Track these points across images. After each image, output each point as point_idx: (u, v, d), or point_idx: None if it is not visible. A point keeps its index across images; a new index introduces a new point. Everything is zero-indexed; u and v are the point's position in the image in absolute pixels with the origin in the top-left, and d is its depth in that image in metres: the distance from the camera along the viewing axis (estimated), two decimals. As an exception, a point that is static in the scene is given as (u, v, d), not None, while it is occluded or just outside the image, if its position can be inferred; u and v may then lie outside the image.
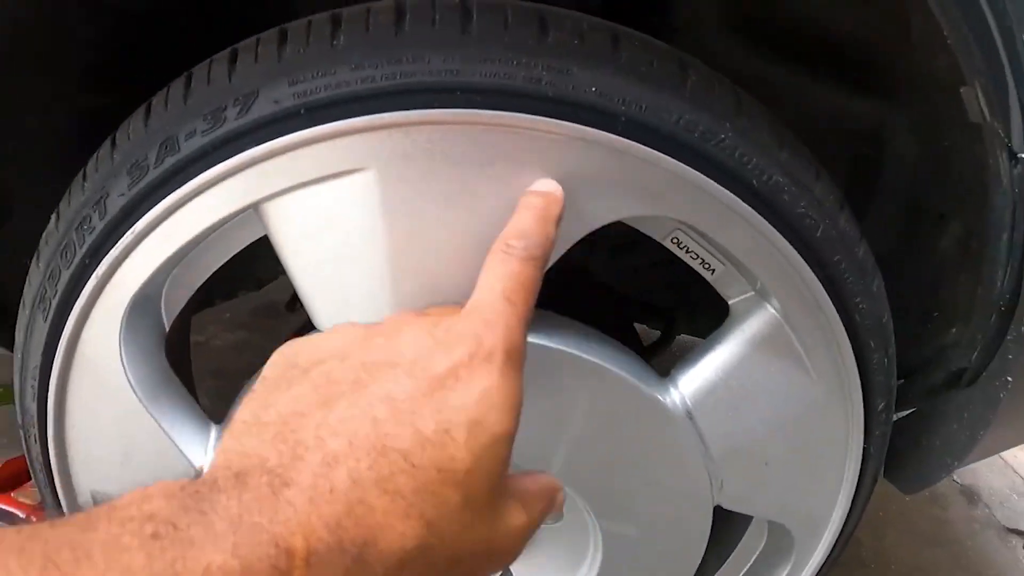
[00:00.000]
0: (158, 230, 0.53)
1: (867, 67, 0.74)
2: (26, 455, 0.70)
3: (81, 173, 0.58)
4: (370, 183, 0.51)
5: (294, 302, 0.93)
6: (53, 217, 0.60)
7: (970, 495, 1.90)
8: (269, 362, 0.40)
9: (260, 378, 0.39)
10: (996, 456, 1.85)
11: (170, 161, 0.52)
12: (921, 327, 0.77)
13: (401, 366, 0.36)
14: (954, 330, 0.73)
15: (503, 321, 0.38)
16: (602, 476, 0.65)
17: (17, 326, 0.65)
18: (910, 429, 0.79)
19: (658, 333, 1.18)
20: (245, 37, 0.55)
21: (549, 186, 0.47)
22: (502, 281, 0.40)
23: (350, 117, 0.49)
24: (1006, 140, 0.57)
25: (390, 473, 0.33)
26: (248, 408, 0.37)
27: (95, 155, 0.57)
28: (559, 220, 0.46)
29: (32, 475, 0.70)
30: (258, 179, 0.51)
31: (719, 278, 0.63)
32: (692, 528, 0.68)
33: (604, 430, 0.63)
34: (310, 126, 0.50)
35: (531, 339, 0.57)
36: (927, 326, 0.77)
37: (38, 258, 0.61)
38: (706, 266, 0.62)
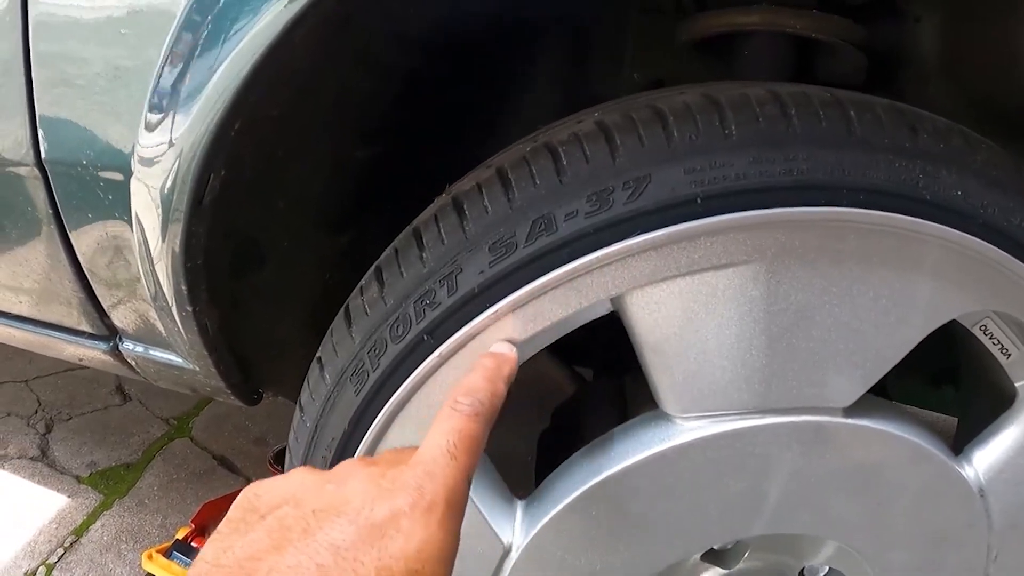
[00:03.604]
0: (520, 311, 0.50)
1: None
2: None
3: (414, 241, 0.55)
4: (756, 276, 0.49)
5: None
6: (373, 285, 0.57)
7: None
8: (234, 504, 0.42)
9: (225, 519, 0.41)
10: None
11: (545, 241, 0.49)
12: None
13: (347, 514, 0.38)
14: None
15: (444, 474, 0.40)
16: (900, 545, 0.64)
17: (308, 391, 0.62)
18: None
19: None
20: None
21: (503, 348, 0.48)
22: (447, 436, 0.42)
23: (745, 210, 0.47)
24: None
25: None
26: (211, 549, 0.39)
27: (433, 223, 0.54)
28: (510, 379, 0.46)
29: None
30: (639, 266, 0.48)
31: (1013, 363, 0.62)
32: None
33: (914, 503, 0.61)
34: (704, 216, 0.47)
35: (869, 424, 0.56)
36: None
37: (350, 326, 0.58)
38: (1004, 351, 0.62)
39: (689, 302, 0.49)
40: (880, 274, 0.51)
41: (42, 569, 1.24)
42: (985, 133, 0.87)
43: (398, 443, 0.57)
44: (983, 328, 0.60)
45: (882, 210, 0.49)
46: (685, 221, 0.47)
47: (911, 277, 0.51)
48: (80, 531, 1.31)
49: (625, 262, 0.48)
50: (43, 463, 1.47)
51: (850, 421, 0.55)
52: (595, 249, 0.48)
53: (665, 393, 0.53)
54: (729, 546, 0.66)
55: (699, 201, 0.47)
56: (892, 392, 1.08)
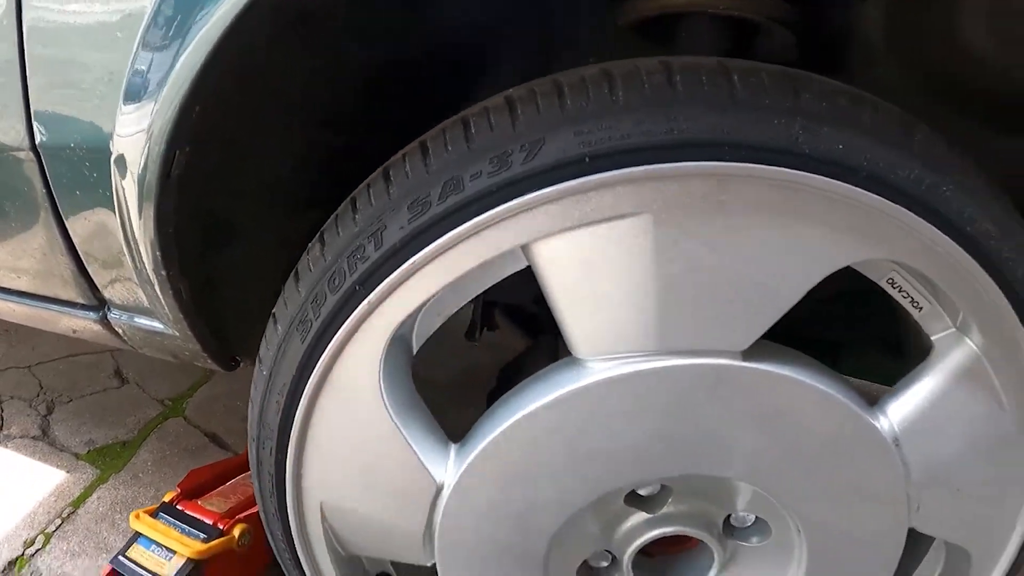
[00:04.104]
0: (437, 261, 0.59)
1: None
2: (254, 465, 0.76)
3: (349, 206, 0.64)
4: (645, 226, 0.57)
5: (472, 331, 0.99)
6: (316, 246, 0.66)
7: None
8: None
9: None
10: None
11: (454, 199, 0.58)
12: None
13: None
14: None
15: None
16: (815, 493, 0.70)
17: (265, 344, 0.71)
18: None
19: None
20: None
21: None
22: None
23: (632, 166, 0.55)
24: None
25: None
26: None
27: (365, 190, 0.63)
28: None
29: (258, 483, 0.76)
30: (538, 219, 0.57)
31: (925, 315, 0.67)
32: (888, 547, 0.72)
33: (824, 451, 0.67)
34: (593, 173, 0.55)
35: (770, 368, 0.63)
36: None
37: (297, 282, 0.67)
38: (915, 304, 0.67)
39: (587, 251, 0.58)
40: (765, 223, 0.58)
41: (40, 537, 1.35)
42: (943, 115, 0.94)
43: (340, 384, 0.65)
44: (891, 281, 0.66)
45: (762, 163, 0.56)
46: (575, 178, 0.55)
47: (795, 226, 0.58)
48: (77, 503, 1.42)
49: (525, 216, 0.57)
50: (44, 442, 1.58)
51: (749, 364, 0.63)
52: (497, 205, 0.56)
53: (573, 337, 0.62)
54: (654, 492, 0.74)
55: (587, 160, 0.55)
56: (847, 365, 1.13)
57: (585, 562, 0.77)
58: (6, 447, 1.57)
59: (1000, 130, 0.95)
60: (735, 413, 0.65)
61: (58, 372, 1.81)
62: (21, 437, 1.60)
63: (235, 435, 1.57)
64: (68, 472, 1.50)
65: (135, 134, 0.70)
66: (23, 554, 1.32)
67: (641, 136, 0.55)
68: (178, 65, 0.65)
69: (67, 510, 1.40)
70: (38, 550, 1.32)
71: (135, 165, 0.72)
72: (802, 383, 0.65)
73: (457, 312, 0.66)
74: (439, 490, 0.68)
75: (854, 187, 0.58)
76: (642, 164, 0.55)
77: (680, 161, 0.55)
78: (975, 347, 0.66)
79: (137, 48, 0.67)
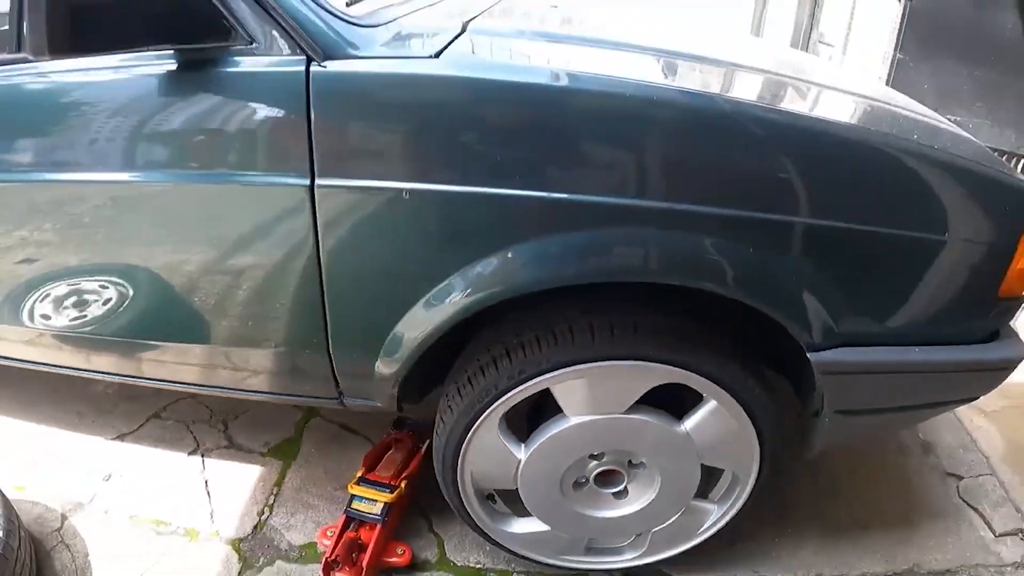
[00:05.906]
0: (512, 396, 2.04)
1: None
2: (439, 467, 2.23)
3: (467, 381, 2.07)
4: (578, 381, 2.01)
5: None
6: (457, 395, 2.09)
7: (927, 447, 3.02)
8: None
9: None
10: (953, 417, 3.14)
11: (513, 381, 2.00)
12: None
13: None
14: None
15: None
16: (657, 454, 2.25)
17: (440, 425, 2.19)
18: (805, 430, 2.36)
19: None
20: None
21: None
22: None
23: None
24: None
25: None
26: None
27: (477, 373, 2.05)
28: None
29: (440, 470, 2.24)
30: (546, 380, 2.01)
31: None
32: (692, 472, 2.31)
33: (655, 441, 2.21)
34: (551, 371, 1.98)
35: (631, 416, 2.10)
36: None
37: (451, 407, 2.12)
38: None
39: (573, 389, 2.02)
40: (607, 380, 2.01)
41: (266, 509, 2.79)
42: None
43: (478, 437, 2.14)
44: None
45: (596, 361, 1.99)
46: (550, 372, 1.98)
47: (619, 379, 2.02)
48: (279, 483, 2.88)
49: (540, 380, 2.01)
50: (234, 449, 3.01)
51: (624, 416, 2.12)
52: (526, 382, 2.00)
53: (565, 408, 2.10)
54: (599, 454, 2.23)
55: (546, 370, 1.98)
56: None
57: (576, 480, 2.27)
58: (210, 458, 3.00)
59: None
60: (626, 435, 2.14)
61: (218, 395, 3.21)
62: (216, 449, 3.03)
63: (358, 423, 3.10)
64: (262, 466, 2.96)
65: (387, 376, 2.09)
66: (259, 520, 2.76)
67: (555, 366, 1.98)
68: (405, 345, 2.03)
69: (274, 489, 2.87)
70: (267, 517, 2.78)
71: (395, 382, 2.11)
72: (641, 418, 2.13)
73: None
74: (519, 461, 2.19)
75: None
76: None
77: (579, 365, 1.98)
78: (719, 404, 2.17)
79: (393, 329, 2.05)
